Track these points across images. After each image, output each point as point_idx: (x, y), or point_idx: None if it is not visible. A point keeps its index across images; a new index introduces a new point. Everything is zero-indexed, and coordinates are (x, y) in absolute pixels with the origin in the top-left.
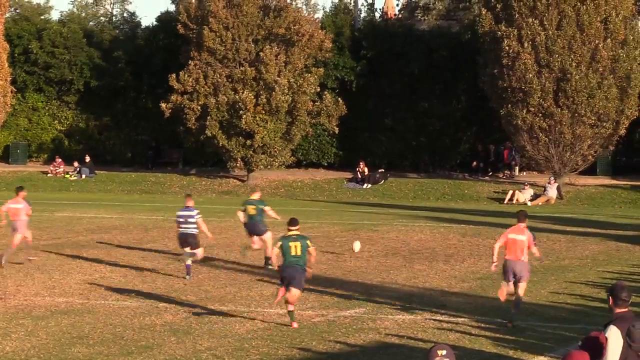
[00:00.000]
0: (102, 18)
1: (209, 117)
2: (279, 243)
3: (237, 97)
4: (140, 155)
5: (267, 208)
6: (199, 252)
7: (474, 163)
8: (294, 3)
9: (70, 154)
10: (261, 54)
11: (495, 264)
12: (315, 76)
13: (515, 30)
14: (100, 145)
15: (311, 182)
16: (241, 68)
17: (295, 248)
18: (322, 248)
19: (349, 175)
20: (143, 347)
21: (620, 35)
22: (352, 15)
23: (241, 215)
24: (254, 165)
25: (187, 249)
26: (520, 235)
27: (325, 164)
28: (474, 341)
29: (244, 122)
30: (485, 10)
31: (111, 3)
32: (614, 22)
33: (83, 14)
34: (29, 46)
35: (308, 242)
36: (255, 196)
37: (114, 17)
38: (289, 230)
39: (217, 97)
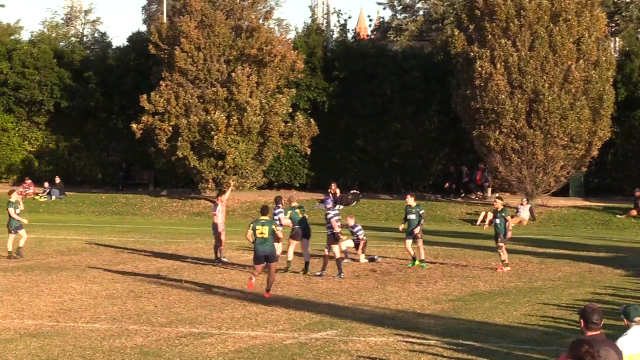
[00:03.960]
0: (72, 38)
1: (180, 138)
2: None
3: (208, 117)
4: (110, 176)
5: None
6: None
7: (446, 184)
8: (266, 24)
9: (40, 175)
10: (233, 74)
11: None
12: (287, 97)
13: (488, 51)
14: (71, 166)
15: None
16: (213, 88)
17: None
18: (294, 269)
19: (321, 196)
20: None
21: (593, 56)
22: (325, 36)
23: None
24: (225, 186)
25: None
26: None
27: (297, 185)
28: None
29: (215, 143)
30: (458, 31)
31: (82, 23)
32: (586, 43)
33: (54, 35)
34: None
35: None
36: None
37: (84, 38)
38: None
39: (189, 118)
